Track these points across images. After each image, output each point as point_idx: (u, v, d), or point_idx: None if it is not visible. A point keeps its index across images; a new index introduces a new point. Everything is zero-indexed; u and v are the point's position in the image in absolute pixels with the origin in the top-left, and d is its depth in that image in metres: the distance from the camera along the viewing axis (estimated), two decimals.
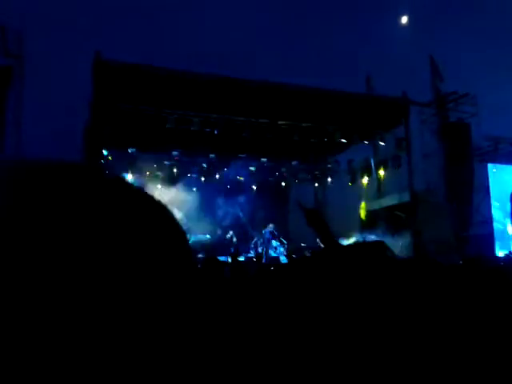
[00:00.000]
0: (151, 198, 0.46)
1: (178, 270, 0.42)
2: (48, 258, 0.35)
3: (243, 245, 14.84)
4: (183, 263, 0.43)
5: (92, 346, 0.34)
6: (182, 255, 0.44)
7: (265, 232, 14.58)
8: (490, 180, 15.54)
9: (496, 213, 14.96)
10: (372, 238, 12.85)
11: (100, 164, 11.80)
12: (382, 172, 15.81)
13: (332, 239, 2.53)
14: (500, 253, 13.88)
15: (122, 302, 0.36)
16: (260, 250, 14.36)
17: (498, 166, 16.02)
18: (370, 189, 16.56)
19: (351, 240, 12.96)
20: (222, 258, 11.73)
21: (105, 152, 13.17)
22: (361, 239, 13.19)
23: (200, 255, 12.95)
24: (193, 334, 0.42)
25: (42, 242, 0.35)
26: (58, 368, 0.33)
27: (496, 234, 14.77)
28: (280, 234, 15.06)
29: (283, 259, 13.39)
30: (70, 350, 0.34)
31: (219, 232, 15.00)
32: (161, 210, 0.45)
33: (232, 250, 14.02)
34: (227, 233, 14.75)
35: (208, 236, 14.67)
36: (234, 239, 14.57)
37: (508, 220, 15.03)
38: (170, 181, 15.00)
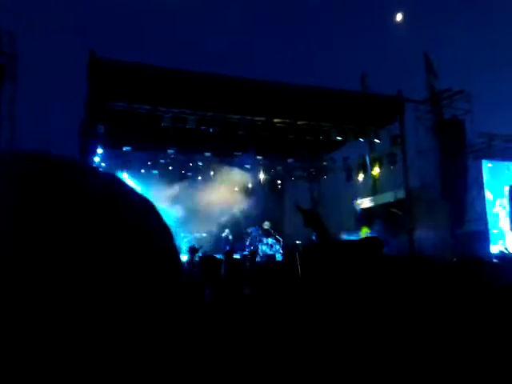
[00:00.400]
0: (142, 197, 0.46)
1: (164, 273, 0.42)
2: (33, 255, 0.35)
3: (239, 243, 14.85)
4: (170, 265, 0.43)
5: (79, 351, 0.34)
6: (169, 258, 0.44)
7: (251, 231, 14.59)
8: (484, 177, 15.61)
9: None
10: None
11: (93, 162, 11.75)
12: (377, 169, 15.86)
13: (330, 237, 2.56)
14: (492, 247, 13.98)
15: (108, 302, 0.36)
16: (253, 247, 14.37)
17: (492, 162, 16.10)
18: (365, 186, 16.60)
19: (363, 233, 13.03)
20: (218, 256, 11.72)
21: (100, 150, 13.13)
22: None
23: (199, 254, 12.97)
24: (182, 340, 0.42)
25: (30, 241, 0.35)
26: (54, 369, 0.33)
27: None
28: (276, 231, 15.07)
29: (279, 256, 13.41)
30: (59, 353, 0.34)
31: (215, 230, 14.99)
32: (149, 210, 0.45)
33: (227, 248, 14.02)
34: (223, 231, 14.76)
35: (204, 234, 14.67)
36: (230, 237, 14.57)
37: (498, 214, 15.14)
38: (166, 179, 14.97)
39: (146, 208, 0.45)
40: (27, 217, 0.36)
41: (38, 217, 0.36)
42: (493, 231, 14.96)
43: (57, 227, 0.36)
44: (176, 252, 0.45)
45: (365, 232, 14.56)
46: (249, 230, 14.78)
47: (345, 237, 12.25)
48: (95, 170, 0.45)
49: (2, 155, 0.42)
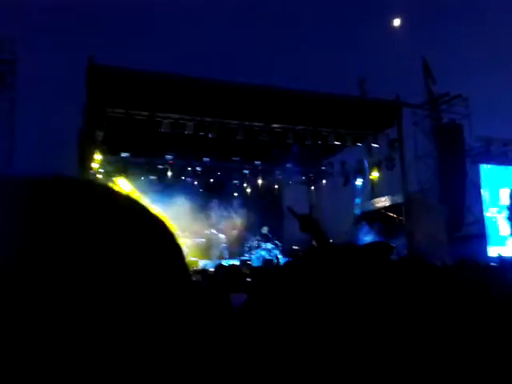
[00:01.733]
0: (145, 210, 0.46)
1: (170, 283, 0.42)
2: (40, 270, 0.36)
3: (237, 248, 14.84)
4: (177, 277, 0.44)
5: (83, 353, 0.35)
6: (176, 270, 0.44)
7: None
8: (482, 181, 15.64)
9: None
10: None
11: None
12: (375, 173, 15.87)
13: (328, 242, 2.55)
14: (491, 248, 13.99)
15: (111, 313, 0.37)
16: (254, 252, 14.36)
17: (490, 166, 16.14)
18: (363, 190, 16.61)
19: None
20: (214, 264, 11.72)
21: (98, 156, 13.12)
22: None
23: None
24: (187, 344, 0.42)
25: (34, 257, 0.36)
26: (54, 369, 0.34)
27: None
28: (274, 236, 15.07)
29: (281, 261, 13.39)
30: (63, 354, 0.35)
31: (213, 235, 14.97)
32: (155, 223, 0.45)
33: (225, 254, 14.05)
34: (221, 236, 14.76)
35: (203, 240, 14.66)
36: (224, 244, 14.59)
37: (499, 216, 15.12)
38: (164, 185, 14.97)
39: (151, 222, 0.45)
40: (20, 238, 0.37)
41: (32, 240, 0.37)
42: (491, 235, 14.98)
43: (53, 248, 0.37)
44: (184, 266, 0.46)
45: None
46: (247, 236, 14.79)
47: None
48: (91, 184, 0.46)
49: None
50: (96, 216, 0.41)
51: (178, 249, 0.46)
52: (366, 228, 15.29)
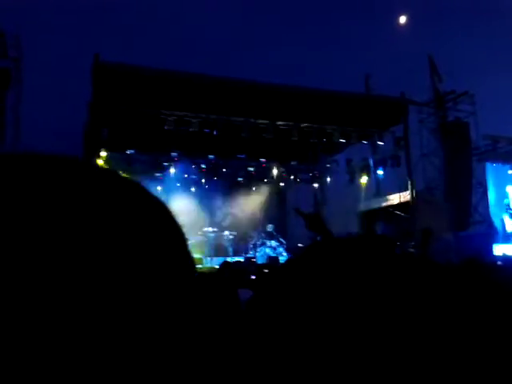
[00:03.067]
0: (149, 194, 0.45)
1: (174, 271, 0.42)
2: (42, 255, 0.35)
3: (242, 245, 14.86)
4: (180, 263, 0.43)
5: (85, 347, 0.34)
6: (180, 255, 0.44)
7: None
8: (489, 179, 15.56)
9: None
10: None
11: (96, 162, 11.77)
12: (380, 171, 15.82)
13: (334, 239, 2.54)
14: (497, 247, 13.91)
15: (115, 303, 0.36)
16: (259, 250, 14.38)
17: (497, 164, 16.05)
18: (369, 188, 16.57)
19: None
20: (220, 259, 11.75)
21: (104, 153, 13.15)
22: None
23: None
24: (191, 337, 0.42)
25: (36, 241, 0.35)
26: (57, 368, 0.33)
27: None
28: (279, 233, 15.07)
29: (282, 259, 13.39)
30: (67, 350, 0.34)
31: (218, 232, 14.99)
32: (159, 206, 0.45)
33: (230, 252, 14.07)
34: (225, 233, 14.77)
35: (207, 237, 14.67)
36: (233, 240, 14.57)
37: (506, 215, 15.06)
38: (169, 182, 14.99)
39: (155, 205, 0.45)
40: (21, 218, 0.36)
41: (35, 219, 0.36)
42: (497, 233, 14.91)
43: (57, 230, 0.36)
44: (187, 253, 0.45)
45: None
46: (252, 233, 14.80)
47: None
48: (96, 166, 0.45)
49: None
50: (103, 200, 0.40)
51: (182, 236, 0.45)
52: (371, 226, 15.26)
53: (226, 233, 14.84)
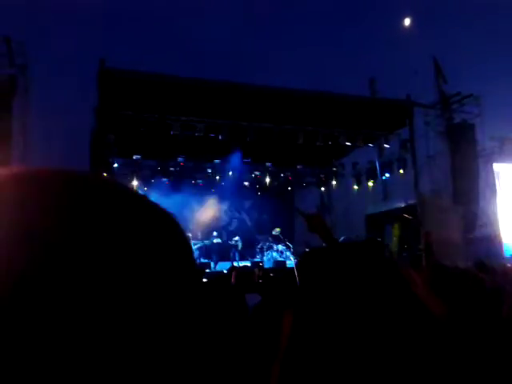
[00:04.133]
0: (158, 207, 0.46)
1: (180, 280, 0.42)
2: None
3: (249, 250, 14.85)
4: (186, 273, 0.44)
5: (89, 349, 0.35)
6: (186, 266, 0.44)
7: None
8: (496, 180, 15.45)
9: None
10: None
11: (109, 174, 11.85)
12: (387, 174, 15.78)
13: (336, 242, 2.54)
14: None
15: (120, 308, 0.37)
16: (266, 254, 14.37)
17: (504, 166, 15.93)
18: (375, 191, 16.53)
19: None
20: (227, 264, 11.75)
21: (110, 159, 13.24)
22: None
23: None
24: (197, 342, 0.42)
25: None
26: (58, 368, 0.34)
27: None
28: (286, 237, 15.05)
29: (289, 263, 13.38)
30: (69, 351, 0.34)
31: (225, 237, 15.00)
32: (166, 220, 0.46)
33: (236, 256, 14.06)
34: (232, 238, 14.75)
35: (214, 241, 14.69)
36: (240, 244, 14.55)
37: None
38: (176, 187, 15.03)
39: (162, 218, 0.46)
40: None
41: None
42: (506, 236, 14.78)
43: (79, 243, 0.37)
44: (193, 263, 0.46)
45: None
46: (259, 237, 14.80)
47: None
48: (112, 181, 0.46)
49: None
50: (109, 211, 0.41)
51: (187, 246, 0.46)
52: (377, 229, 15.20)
53: (234, 237, 14.84)
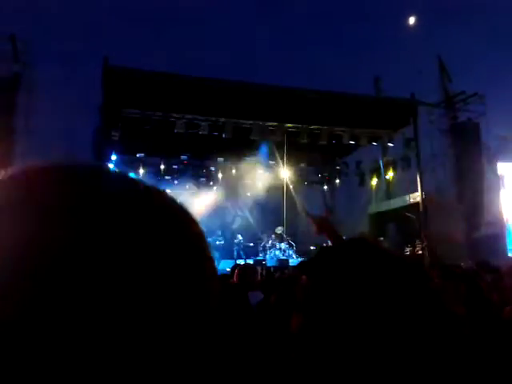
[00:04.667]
0: (171, 199, 0.46)
1: (195, 278, 0.42)
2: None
3: (252, 248, 14.84)
4: (201, 270, 0.43)
5: (94, 347, 0.34)
6: (201, 261, 0.44)
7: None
8: (501, 179, 15.38)
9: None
10: None
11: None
12: (391, 173, 15.73)
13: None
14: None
15: (130, 304, 0.36)
16: (269, 252, 14.35)
17: (509, 165, 15.86)
18: (379, 190, 16.49)
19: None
20: (230, 262, 11.75)
21: (114, 156, 13.25)
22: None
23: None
24: (204, 340, 0.42)
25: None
26: (60, 367, 0.33)
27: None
28: (289, 236, 15.04)
29: (292, 261, 13.37)
30: (73, 349, 0.34)
31: (228, 235, 14.99)
32: (181, 213, 0.45)
33: (239, 255, 14.06)
34: (235, 236, 14.75)
35: (217, 239, 14.69)
36: (241, 240, 14.54)
37: None
38: (179, 184, 15.03)
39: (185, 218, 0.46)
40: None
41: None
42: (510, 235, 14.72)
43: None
44: (209, 258, 0.45)
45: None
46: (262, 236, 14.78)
47: None
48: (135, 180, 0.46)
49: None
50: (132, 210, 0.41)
51: (202, 243, 0.45)
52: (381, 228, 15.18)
53: (236, 235, 14.84)
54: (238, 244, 14.54)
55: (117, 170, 0.45)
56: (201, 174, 15.81)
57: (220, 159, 15.41)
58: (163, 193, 0.46)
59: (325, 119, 12.87)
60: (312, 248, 13.43)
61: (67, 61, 24.27)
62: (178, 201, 0.46)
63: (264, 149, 14.31)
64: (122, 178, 0.45)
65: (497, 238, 14.13)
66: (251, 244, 14.98)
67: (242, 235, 14.77)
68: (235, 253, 14.19)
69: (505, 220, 14.69)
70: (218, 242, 14.28)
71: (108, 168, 0.46)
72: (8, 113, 11.51)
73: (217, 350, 0.43)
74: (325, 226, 2.33)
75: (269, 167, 16.03)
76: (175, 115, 12.25)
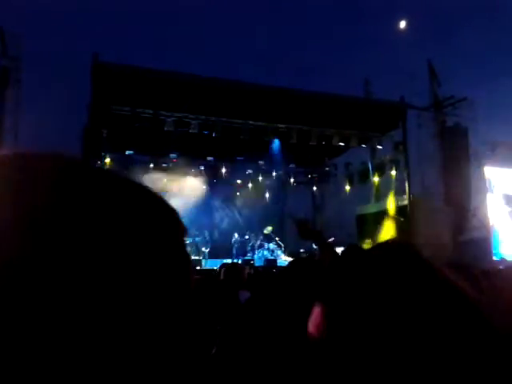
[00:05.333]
0: (154, 194, 0.46)
1: (172, 270, 0.42)
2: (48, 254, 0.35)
3: (240, 248, 14.83)
4: (178, 264, 0.43)
5: (79, 345, 0.34)
6: (178, 255, 0.44)
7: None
8: (487, 184, 15.55)
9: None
10: None
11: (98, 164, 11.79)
12: (379, 175, 15.82)
13: (329, 246, 2.55)
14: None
15: (111, 302, 0.36)
16: (257, 252, 14.35)
17: (495, 169, 16.03)
18: (367, 192, 16.57)
19: None
20: (218, 262, 11.73)
21: (103, 154, 13.17)
22: None
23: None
24: (188, 336, 0.42)
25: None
26: (56, 367, 0.33)
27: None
28: (277, 236, 15.06)
29: (280, 262, 13.38)
30: (65, 350, 0.33)
31: (216, 235, 14.97)
32: (162, 206, 0.46)
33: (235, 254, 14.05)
34: (231, 236, 14.72)
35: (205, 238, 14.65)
36: (238, 238, 14.51)
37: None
38: (168, 183, 14.97)
39: (156, 202, 0.46)
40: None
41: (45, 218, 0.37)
42: (496, 238, 14.88)
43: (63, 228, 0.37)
44: (184, 249, 0.45)
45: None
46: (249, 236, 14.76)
47: None
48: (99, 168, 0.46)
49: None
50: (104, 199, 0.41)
51: (181, 236, 0.46)
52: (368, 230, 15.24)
53: (225, 235, 14.82)
54: (227, 243, 14.53)
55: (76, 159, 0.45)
56: (190, 173, 15.75)
57: (210, 158, 15.39)
58: (132, 181, 0.46)
59: (315, 120, 12.92)
60: (302, 251, 13.45)
61: (57, 56, 24.08)
62: (157, 194, 0.47)
63: (275, 146, 14.25)
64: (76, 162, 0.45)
65: (483, 242, 14.27)
66: (239, 244, 14.97)
67: (230, 234, 14.76)
68: (234, 251, 14.17)
69: (491, 224, 14.84)
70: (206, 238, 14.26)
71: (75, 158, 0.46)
72: None
73: (205, 345, 0.43)
74: (308, 231, 2.38)
75: (259, 168, 16.06)
76: (165, 113, 12.21)
